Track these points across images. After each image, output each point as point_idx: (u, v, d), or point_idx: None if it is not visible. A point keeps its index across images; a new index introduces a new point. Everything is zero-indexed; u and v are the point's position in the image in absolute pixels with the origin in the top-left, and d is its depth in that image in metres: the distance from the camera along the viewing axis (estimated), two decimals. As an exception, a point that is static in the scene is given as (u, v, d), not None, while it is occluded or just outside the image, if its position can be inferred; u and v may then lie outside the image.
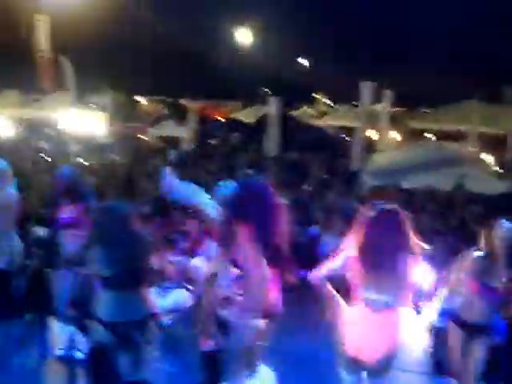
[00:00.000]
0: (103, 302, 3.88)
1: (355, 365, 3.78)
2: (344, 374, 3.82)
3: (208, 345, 4.89)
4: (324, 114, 26.43)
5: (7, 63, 21.60)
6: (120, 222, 3.98)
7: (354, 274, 3.74)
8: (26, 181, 10.71)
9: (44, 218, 7.54)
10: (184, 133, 19.14)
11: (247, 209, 3.81)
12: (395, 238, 3.64)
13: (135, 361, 3.98)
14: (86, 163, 13.03)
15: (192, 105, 19.36)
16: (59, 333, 5.06)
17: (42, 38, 24.45)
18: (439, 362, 5.38)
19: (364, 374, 3.80)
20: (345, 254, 3.83)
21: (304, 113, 26.65)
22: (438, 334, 5.39)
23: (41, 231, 7.53)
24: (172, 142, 19.40)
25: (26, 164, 13.00)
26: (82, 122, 17.95)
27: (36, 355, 5.16)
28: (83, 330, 4.61)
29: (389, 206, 3.77)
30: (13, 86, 20.89)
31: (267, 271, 3.71)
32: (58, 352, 5.05)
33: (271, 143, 17.55)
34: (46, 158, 14.18)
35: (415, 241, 3.72)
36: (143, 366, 4.00)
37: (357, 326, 3.74)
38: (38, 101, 21.27)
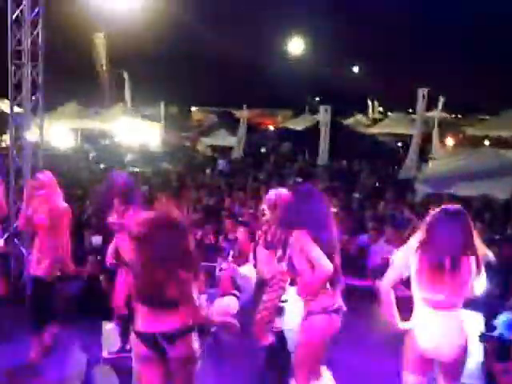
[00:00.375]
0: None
1: (424, 366, 3.81)
2: (410, 378, 3.84)
3: (269, 340, 5.04)
4: (376, 122, 26.18)
5: (68, 78, 22.40)
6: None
7: (417, 276, 3.74)
8: (82, 190, 11.13)
9: (99, 225, 7.79)
10: (234, 142, 19.35)
11: (301, 216, 3.91)
12: (460, 238, 3.63)
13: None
14: (140, 171, 13.38)
15: (243, 114, 19.54)
16: (112, 336, 5.22)
17: (101, 54, 25.42)
18: (491, 374, 5.25)
19: (436, 376, 3.84)
20: (406, 258, 3.84)
21: (356, 121, 26.48)
22: (495, 345, 5.27)
23: (96, 238, 7.78)
24: (223, 150, 19.65)
25: (83, 173, 13.49)
26: (137, 132, 18.46)
27: (90, 358, 5.34)
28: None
29: (454, 207, 3.76)
30: (73, 98, 21.65)
31: (322, 275, 3.81)
32: (109, 355, 5.22)
33: (322, 151, 17.51)
34: (101, 167, 14.62)
35: (479, 243, 3.70)
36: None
37: (425, 327, 3.75)
38: (96, 113, 21.99)
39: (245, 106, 19.49)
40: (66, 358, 5.36)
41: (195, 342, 3.39)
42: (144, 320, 3.36)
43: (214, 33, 25.54)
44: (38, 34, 7.67)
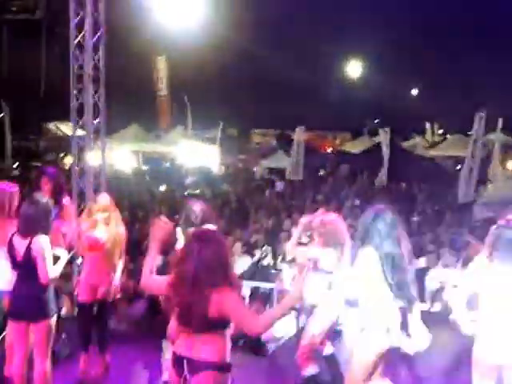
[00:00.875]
0: None
1: (492, 372, 3.88)
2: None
3: (309, 370, 5.00)
4: (435, 144, 25.70)
5: (130, 101, 23.16)
6: None
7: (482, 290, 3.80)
8: (143, 211, 11.42)
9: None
10: (292, 164, 19.45)
11: (375, 237, 3.94)
12: None
13: None
14: (200, 193, 13.60)
15: (301, 136, 19.66)
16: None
17: (162, 78, 26.21)
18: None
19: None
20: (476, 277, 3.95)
21: (415, 143, 26.07)
22: None
23: (158, 259, 7.88)
24: (280, 172, 19.78)
25: (144, 196, 13.84)
26: (197, 154, 18.83)
27: (153, 378, 5.39)
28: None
29: None
30: (134, 121, 22.33)
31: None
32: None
33: (380, 174, 17.37)
34: (162, 189, 14.95)
35: None
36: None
37: (493, 335, 3.84)
38: (156, 136, 22.58)
39: (303, 128, 19.61)
40: (126, 379, 5.47)
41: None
42: (178, 341, 3.32)
43: (274, 56, 25.89)
44: (99, 58, 7.96)
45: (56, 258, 4.55)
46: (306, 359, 4.98)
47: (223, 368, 3.26)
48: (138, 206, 12.04)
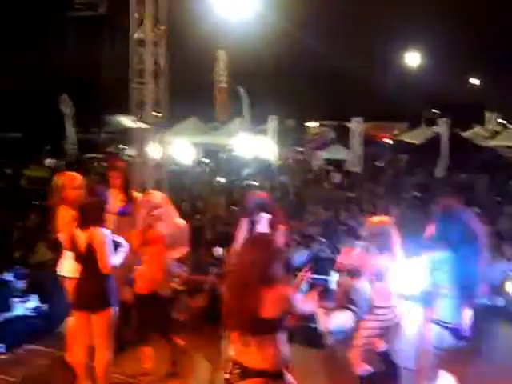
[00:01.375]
0: None
1: None
2: None
3: (364, 369, 4.97)
4: (496, 134, 24.84)
5: (190, 95, 23.46)
6: None
7: None
8: (202, 203, 11.57)
9: (220, 237, 8.00)
10: (350, 155, 19.25)
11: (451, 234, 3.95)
12: None
13: None
14: (257, 185, 13.64)
15: (358, 127, 19.41)
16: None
17: (221, 71, 26.48)
18: None
19: None
20: None
21: (475, 133, 25.28)
22: None
23: (218, 249, 7.97)
24: (338, 164, 19.61)
25: (203, 187, 14.02)
26: (254, 146, 18.92)
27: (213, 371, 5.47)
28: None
29: None
30: (193, 114, 22.63)
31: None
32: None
33: (440, 164, 17.01)
34: (220, 180, 15.10)
35: None
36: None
37: None
38: (215, 128, 22.81)
39: (360, 118, 19.37)
40: (187, 370, 5.54)
41: None
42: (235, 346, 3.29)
43: (330, 47, 25.64)
44: (159, 53, 8.12)
45: (117, 246, 4.69)
46: (360, 358, 4.95)
47: (274, 375, 3.21)
48: (197, 197, 12.19)
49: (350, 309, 6.33)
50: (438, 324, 4.04)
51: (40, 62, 25.18)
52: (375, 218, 5.06)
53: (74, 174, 5.35)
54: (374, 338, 4.94)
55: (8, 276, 6.41)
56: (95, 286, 4.56)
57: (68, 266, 4.94)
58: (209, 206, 10.61)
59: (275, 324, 3.18)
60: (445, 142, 17.19)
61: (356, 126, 19.42)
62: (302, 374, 5.49)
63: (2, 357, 5.75)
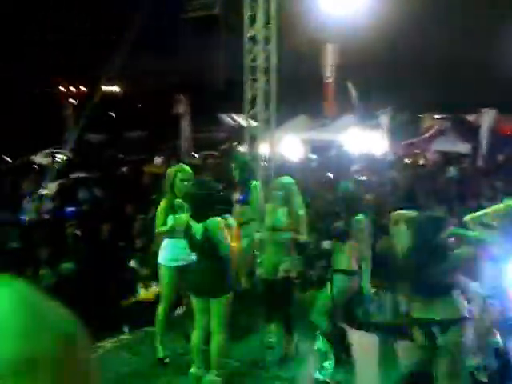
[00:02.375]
0: None
1: None
2: None
3: (476, 359, 4.86)
4: None
5: (299, 91, 23.65)
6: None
7: None
8: (310, 197, 11.66)
9: (323, 231, 8.08)
10: (467, 148, 18.49)
11: None
12: None
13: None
14: (365, 180, 13.52)
15: (478, 119, 18.56)
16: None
17: (330, 65, 26.35)
18: None
19: None
20: None
21: None
22: None
23: (327, 243, 8.05)
24: (454, 157, 18.89)
25: (311, 183, 14.09)
26: (364, 141, 18.70)
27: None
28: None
29: None
30: (302, 111, 22.75)
31: None
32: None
33: None
34: (329, 176, 15.10)
35: None
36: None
37: None
38: (323, 124, 22.80)
39: (489, 110, 18.50)
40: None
41: None
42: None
43: (445, 35, 24.69)
44: (270, 50, 8.32)
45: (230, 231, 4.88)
46: (473, 348, 4.85)
47: None
48: (305, 192, 12.27)
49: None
50: None
51: (158, 64, 26.52)
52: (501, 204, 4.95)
53: (184, 166, 5.65)
54: (488, 330, 4.83)
55: (133, 263, 6.88)
56: (212, 272, 4.78)
57: (166, 255, 5.35)
58: (316, 201, 10.66)
59: None
60: None
61: (475, 117, 18.56)
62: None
63: (126, 336, 6.25)
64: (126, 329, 6.52)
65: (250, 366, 5.48)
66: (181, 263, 5.30)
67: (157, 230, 5.34)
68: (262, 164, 9.12)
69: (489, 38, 26.67)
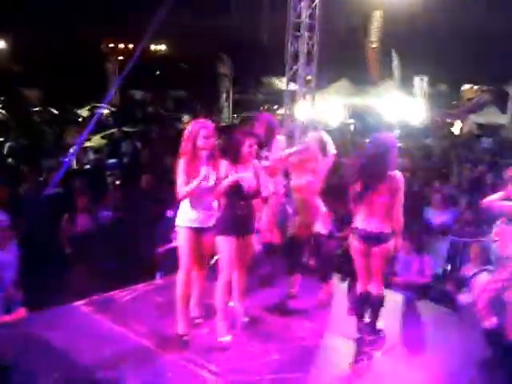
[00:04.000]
0: None
1: None
2: None
3: (489, 322, 4.98)
4: None
5: (342, 55, 23.33)
6: None
7: None
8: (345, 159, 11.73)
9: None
10: (508, 119, 18.18)
11: None
12: None
13: None
14: (403, 146, 13.48)
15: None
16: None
17: (375, 31, 25.89)
18: None
19: None
20: None
21: None
22: None
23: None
24: (491, 129, 18.57)
25: (349, 147, 14.13)
26: (403, 108, 18.54)
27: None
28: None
29: None
30: (345, 76, 22.51)
31: None
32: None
33: None
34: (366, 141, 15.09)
35: None
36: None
37: None
38: (364, 90, 22.57)
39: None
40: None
41: None
42: None
43: (490, 7, 23.89)
44: (315, 6, 8.30)
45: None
46: (486, 311, 4.96)
47: None
48: (342, 155, 12.34)
49: (487, 269, 6.27)
50: None
51: (204, 23, 26.47)
52: None
53: (208, 122, 5.03)
54: (503, 290, 4.91)
55: (169, 213, 7.14)
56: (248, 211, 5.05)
57: (185, 216, 5.02)
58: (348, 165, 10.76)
59: None
60: None
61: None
62: (431, 329, 5.71)
63: (158, 282, 6.58)
64: (159, 274, 6.83)
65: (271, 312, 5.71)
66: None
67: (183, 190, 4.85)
68: (299, 124, 9.20)
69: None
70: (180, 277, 4.97)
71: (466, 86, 27.24)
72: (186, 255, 4.95)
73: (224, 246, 4.96)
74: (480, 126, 19.46)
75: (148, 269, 6.89)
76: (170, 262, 6.34)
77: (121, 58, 26.78)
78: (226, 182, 4.89)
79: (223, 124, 19.34)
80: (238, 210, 5.01)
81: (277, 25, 11.70)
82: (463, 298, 6.55)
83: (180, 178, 4.84)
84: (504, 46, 25.52)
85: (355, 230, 4.98)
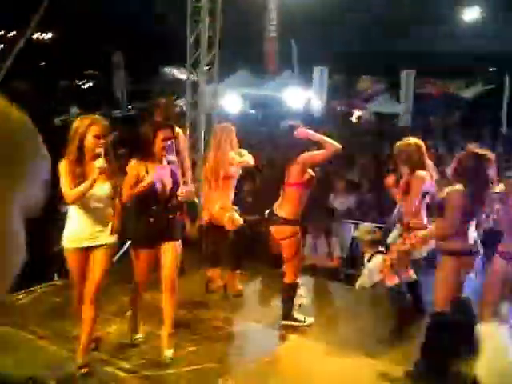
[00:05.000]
0: None
1: None
2: None
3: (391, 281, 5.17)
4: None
5: (240, 44, 23.30)
6: None
7: None
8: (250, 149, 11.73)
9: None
10: (401, 109, 19.06)
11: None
12: None
13: None
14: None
15: (411, 81, 19.07)
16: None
17: (271, 21, 26.07)
18: None
19: None
20: None
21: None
22: None
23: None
24: (389, 118, 19.43)
25: (251, 137, 14.17)
26: (302, 98, 18.88)
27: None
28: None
29: None
30: (243, 67, 22.56)
31: None
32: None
33: (496, 121, 16.70)
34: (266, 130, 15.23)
35: None
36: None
37: None
38: (264, 79, 22.74)
39: (412, 71, 19.02)
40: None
41: None
42: None
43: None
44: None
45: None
46: (388, 272, 5.15)
47: None
48: (244, 146, 12.37)
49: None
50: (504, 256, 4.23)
51: (96, 11, 25.43)
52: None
53: (100, 118, 4.29)
54: (399, 261, 5.10)
55: (64, 209, 6.74)
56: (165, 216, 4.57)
57: (69, 233, 4.35)
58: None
59: None
60: (505, 96, 16.95)
61: (407, 80, 19.06)
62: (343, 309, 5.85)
63: (57, 282, 6.26)
64: (56, 275, 6.50)
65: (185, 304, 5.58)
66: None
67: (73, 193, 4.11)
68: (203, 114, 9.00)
69: (427, 8, 27.02)
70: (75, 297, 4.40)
71: (363, 77, 28.25)
72: (75, 279, 4.32)
73: (135, 261, 4.53)
74: (377, 114, 20.28)
75: (45, 269, 6.52)
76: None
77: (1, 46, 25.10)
78: (136, 187, 4.26)
79: (118, 115, 18.68)
80: (149, 217, 4.41)
81: (176, 11, 11.35)
82: (365, 278, 6.77)
83: (65, 181, 4.06)
84: (397, 36, 26.76)
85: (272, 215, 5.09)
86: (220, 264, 6.04)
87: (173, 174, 4.48)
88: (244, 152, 5.87)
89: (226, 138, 5.75)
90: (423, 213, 5.19)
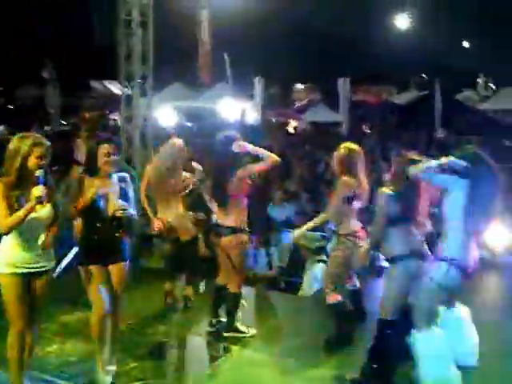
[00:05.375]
0: None
1: None
2: None
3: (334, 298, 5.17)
4: (487, 98, 24.93)
5: (175, 58, 23.23)
6: None
7: None
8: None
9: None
10: (338, 117, 19.39)
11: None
12: None
13: None
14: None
15: (346, 89, 19.43)
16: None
17: (204, 34, 26.11)
18: None
19: None
20: None
21: (466, 97, 25.37)
22: None
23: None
24: (326, 126, 19.72)
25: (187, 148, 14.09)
26: (238, 110, 18.94)
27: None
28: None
29: None
30: (177, 79, 22.46)
31: None
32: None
33: (429, 126, 17.30)
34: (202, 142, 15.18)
35: None
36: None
37: None
38: (198, 92, 22.72)
39: (347, 79, 19.38)
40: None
41: None
42: None
43: (318, 8, 25.35)
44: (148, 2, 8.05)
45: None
46: (330, 289, 5.16)
47: None
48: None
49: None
50: (444, 260, 4.17)
51: (26, 25, 24.77)
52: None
53: (42, 139, 3.97)
54: (341, 271, 5.14)
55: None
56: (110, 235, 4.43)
57: (5, 258, 3.95)
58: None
59: None
60: (436, 104, 17.50)
61: (343, 87, 19.37)
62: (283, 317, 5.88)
63: None
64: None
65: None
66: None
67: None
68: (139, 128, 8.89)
69: (360, 14, 27.73)
70: (9, 339, 3.98)
71: (298, 86, 28.60)
72: (12, 310, 3.89)
73: (86, 279, 4.52)
74: (313, 123, 20.55)
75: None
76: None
77: None
78: (79, 202, 4.16)
79: (51, 131, 18.15)
80: (93, 235, 4.30)
81: (108, 24, 11.19)
82: (306, 286, 6.86)
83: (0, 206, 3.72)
84: (336, 48, 27.29)
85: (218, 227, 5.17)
86: (178, 277, 6.08)
87: (118, 191, 4.30)
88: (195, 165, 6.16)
89: (177, 156, 5.78)
90: (351, 219, 5.20)
